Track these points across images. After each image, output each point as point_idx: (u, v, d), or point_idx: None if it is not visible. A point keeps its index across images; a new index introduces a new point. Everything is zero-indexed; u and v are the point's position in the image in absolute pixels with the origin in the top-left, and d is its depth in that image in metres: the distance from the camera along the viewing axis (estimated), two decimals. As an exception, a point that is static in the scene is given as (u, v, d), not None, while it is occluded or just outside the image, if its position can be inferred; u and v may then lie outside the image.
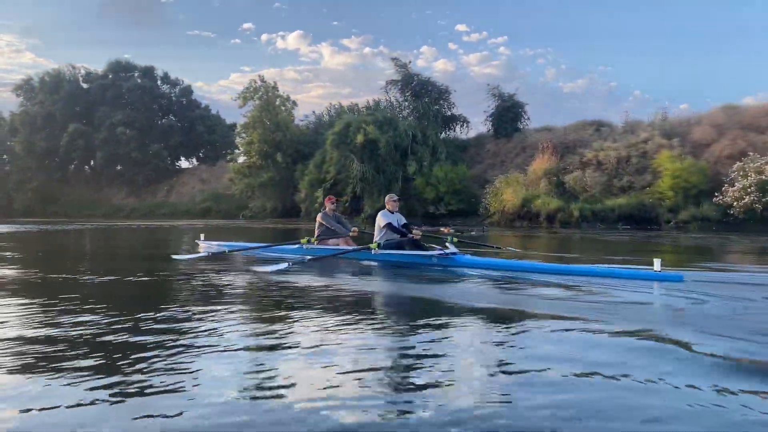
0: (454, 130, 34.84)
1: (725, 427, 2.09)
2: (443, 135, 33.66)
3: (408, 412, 2.21)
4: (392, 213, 8.32)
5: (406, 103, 34.97)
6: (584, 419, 2.14)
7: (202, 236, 11.05)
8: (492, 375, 2.68)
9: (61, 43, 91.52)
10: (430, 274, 6.85)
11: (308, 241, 8.56)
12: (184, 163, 52.18)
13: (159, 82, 49.23)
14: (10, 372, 2.70)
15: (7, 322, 3.79)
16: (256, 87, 36.12)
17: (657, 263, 6.01)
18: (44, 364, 2.81)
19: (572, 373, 2.66)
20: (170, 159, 48.95)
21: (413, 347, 3.19)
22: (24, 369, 2.75)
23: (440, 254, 7.58)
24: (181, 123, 48.41)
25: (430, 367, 2.81)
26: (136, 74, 48.67)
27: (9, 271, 6.94)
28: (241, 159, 39.74)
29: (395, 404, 2.29)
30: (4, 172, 58.10)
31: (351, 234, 8.88)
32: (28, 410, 2.23)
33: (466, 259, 7.54)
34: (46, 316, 3.94)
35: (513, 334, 3.51)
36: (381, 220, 8.19)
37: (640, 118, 27.85)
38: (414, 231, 8.14)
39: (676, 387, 2.48)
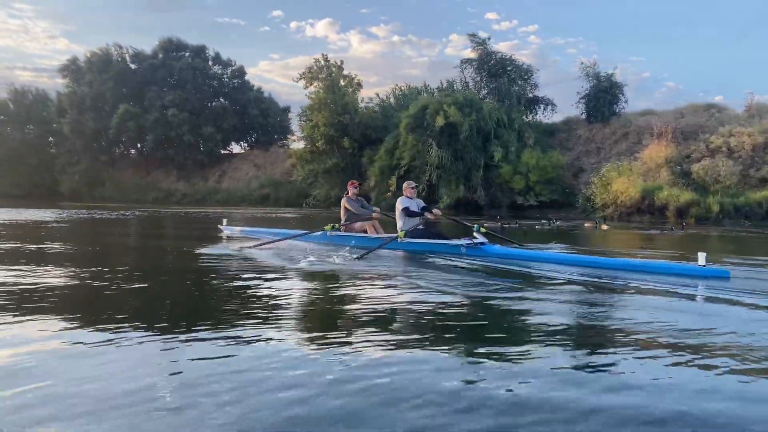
0: (537, 114, 32.15)
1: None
2: (527, 119, 31.01)
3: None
4: (411, 199, 8.57)
5: (483, 83, 32.41)
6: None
7: (224, 221, 11.31)
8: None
9: (93, 29, 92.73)
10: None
11: (333, 228, 8.75)
12: (235, 148, 50.35)
13: (210, 63, 47.24)
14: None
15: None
16: (320, 66, 33.85)
17: (701, 257, 5.68)
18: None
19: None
20: (222, 143, 46.98)
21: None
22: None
23: (468, 244, 7.57)
24: (234, 106, 46.46)
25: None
26: (186, 54, 46.83)
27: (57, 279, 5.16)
28: (301, 144, 37.70)
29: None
30: (49, 154, 57.34)
31: (374, 216, 8.91)
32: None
33: (496, 249, 7.47)
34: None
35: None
36: (399, 205, 8.44)
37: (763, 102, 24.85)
38: (434, 211, 8.63)
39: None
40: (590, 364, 2.76)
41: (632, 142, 26.21)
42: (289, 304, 4.19)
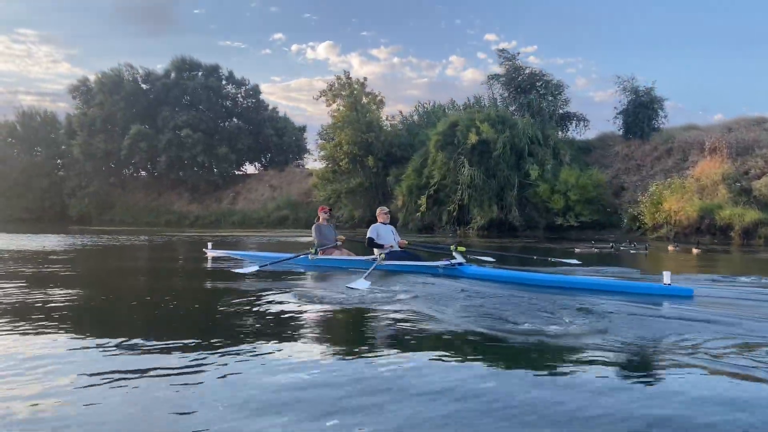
0: (568, 130, 31.01)
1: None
2: (560, 135, 29.87)
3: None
4: (384, 225, 8.94)
5: (511, 99, 31.34)
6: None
7: (209, 245, 11.83)
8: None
9: (95, 54, 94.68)
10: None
11: (315, 253, 9.00)
12: (249, 169, 49.28)
13: (224, 82, 46.39)
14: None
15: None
16: (342, 84, 32.86)
17: (666, 276, 5.95)
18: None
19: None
20: (236, 163, 45.94)
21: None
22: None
23: (446, 265, 7.80)
24: (248, 125, 45.48)
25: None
26: (200, 73, 46.00)
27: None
28: (319, 163, 36.65)
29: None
30: (58, 177, 56.33)
31: (338, 243, 9.27)
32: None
33: (472, 270, 7.70)
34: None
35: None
36: (368, 232, 8.83)
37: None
38: (399, 241, 8.85)
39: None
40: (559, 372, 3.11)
41: (678, 158, 25.04)
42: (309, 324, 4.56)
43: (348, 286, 6.41)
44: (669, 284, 5.86)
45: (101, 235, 23.15)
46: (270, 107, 48.18)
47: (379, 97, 32.97)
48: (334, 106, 33.48)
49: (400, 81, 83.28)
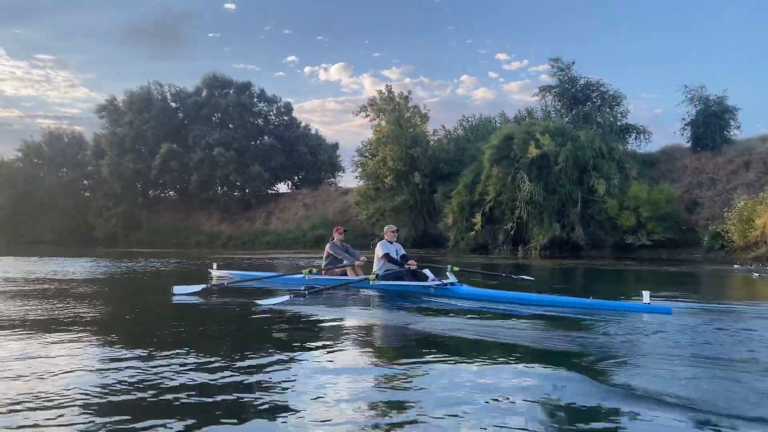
0: (628, 144, 29.32)
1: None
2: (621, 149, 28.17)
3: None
4: (391, 243, 9.11)
5: (564, 111, 29.81)
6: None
7: (214, 265, 12.10)
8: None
9: (111, 78, 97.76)
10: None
11: (310, 272, 9.42)
12: (281, 187, 48.01)
13: (255, 100, 45.38)
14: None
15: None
16: (384, 98, 31.56)
17: (646, 296, 6.34)
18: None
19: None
20: (269, 182, 44.69)
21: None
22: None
23: (438, 285, 8.03)
24: (281, 143, 44.26)
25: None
26: (231, 91, 45.02)
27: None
28: (353, 181, 35.28)
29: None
30: (84, 198, 55.50)
31: (358, 263, 9.48)
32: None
33: (464, 290, 7.92)
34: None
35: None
36: (379, 250, 8.89)
37: None
38: (410, 262, 8.68)
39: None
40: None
41: (760, 171, 23.25)
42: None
43: (259, 302, 6.88)
44: (649, 303, 6.27)
45: (135, 259, 21.80)
46: (302, 125, 47.00)
47: (423, 111, 31.59)
48: (377, 121, 32.19)
49: (413, 101, 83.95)
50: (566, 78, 29.83)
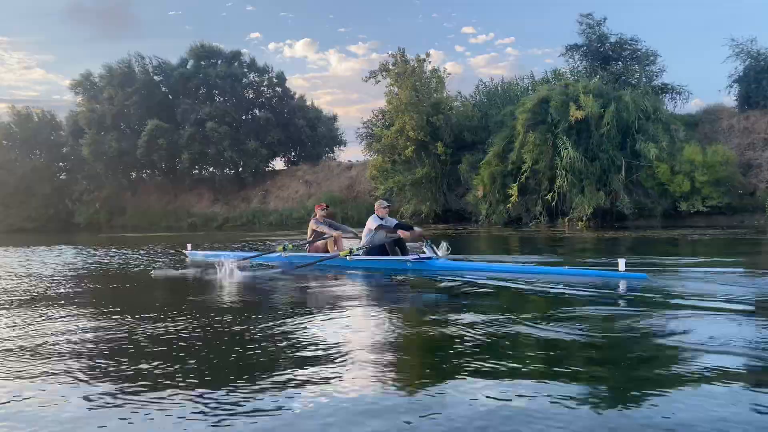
0: (663, 104, 27.49)
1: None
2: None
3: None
4: (382, 219, 9.12)
5: (593, 70, 27.87)
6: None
7: (189, 246, 12.49)
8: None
9: (70, 59, 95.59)
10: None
11: (284, 249, 10.01)
12: (277, 164, 45.31)
13: (245, 70, 42.36)
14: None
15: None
16: (397, 62, 29.12)
17: (621, 263, 6.57)
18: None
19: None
20: (266, 158, 42.01)
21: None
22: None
23: (415, 259, 8.19)
24: (276, 117, 41.48)
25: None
26: (219, 61, 41.93)
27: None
28: (367, 154, 32.95)
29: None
30: (61, 182, 52.00)
31: (345, 235, 9.94)
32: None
33: (441, 263, 8.04)
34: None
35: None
36: (371, 223, 8.99)
37: None
38: (400, 231, 8.72)
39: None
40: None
41: (824, 128, 21.67)
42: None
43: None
44: (624, 271, 6.53)
45: (134, 248, 19.54)
46: (297, 95, 44.11)
47: (445, 73, 29.16)
48: (389, 88, 29.78)
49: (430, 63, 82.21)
50: (595, 36, 27.86)
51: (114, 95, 42.46)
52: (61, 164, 52.87)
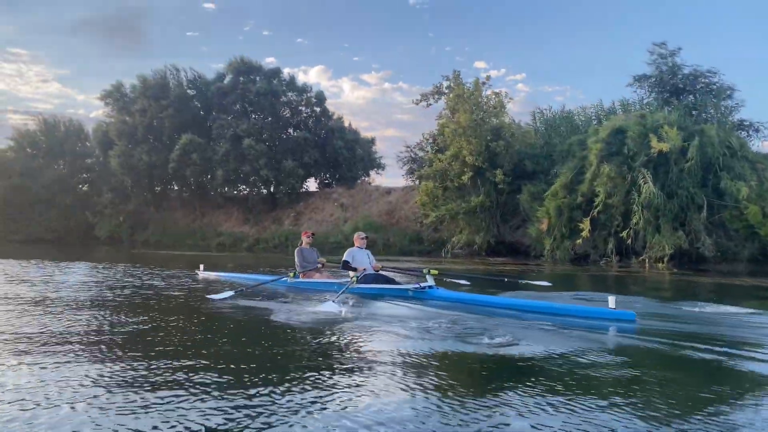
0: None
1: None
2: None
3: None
4: (360, 249, 10.01)
5: (661, 103, 26.41)
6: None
7: (201, 266, 13.18)
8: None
9: (86, 74, 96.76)
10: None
11: (294, 276, 10.32)
12: (309, 186, 43.84)
13: (284, 88, 41.17)
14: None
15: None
16: (452, 84, 27.80)
17: (611, 301, 6.71)
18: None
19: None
20: (302, 179, 40.59)
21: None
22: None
23: (415, 288, 8.72)
24: (315, 137, 40.15)
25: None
26: (258, 78, 40.80)
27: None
28: (408, 179, 31.43)
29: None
30: (82, 193, 50.73)
31: (319, 266, 10.65)
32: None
33: (440, 293, 8.64)
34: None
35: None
36: (344, 256, 9.89)
37: None
38: (374, 265, 9.84)
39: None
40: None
41: None
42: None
43: (316, 309, 7.39)
44: (614, 308, 6.67)
45: (171, 266, 18.05)
46: (335, 116, 42.84)
47: (501, 98, 27.70)
48: (445, 111, 28.44)
49: (390, 106, 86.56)
50: (666, 67, 26.48)
51: (147, 107, 41.28)
52: (84, 175, 51.70)
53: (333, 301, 7.49)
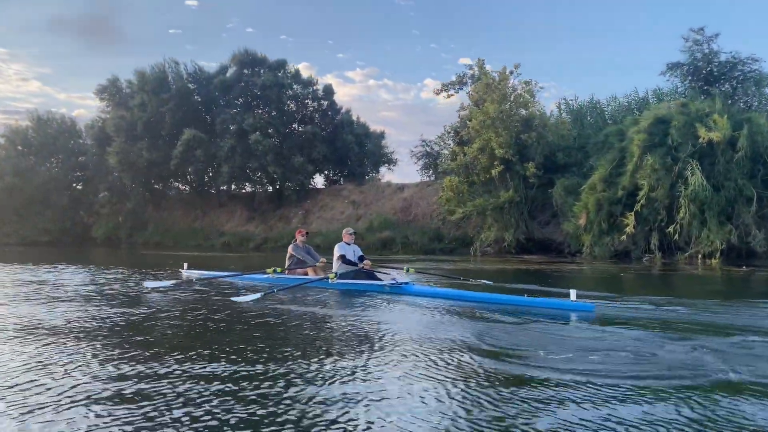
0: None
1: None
2: None
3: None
4: (348, 245, 10.35)
5: (696, 91, 25.24)
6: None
7: (185, 265, 13.13)
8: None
9: (67, 73, 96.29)
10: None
11: (274, 271, 10.48)
12: (317, 182, 42.30)
13: (289, 81, 39.54)
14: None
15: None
16: (476, 73, 26.41)
17: (573, 294, 7.22)
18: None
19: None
20: (311, 175, 39.07)
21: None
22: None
23: (392, 284, 9.29)
24: (324, 131, 38.61)
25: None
26: (262, 71, 39.16)
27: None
28: (423, 174, 30.05)
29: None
30: (77, 192, 48.79)
31: (319, 264, 10.88)
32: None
33: (415, 288, 9.28)
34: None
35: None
36: (337, 251, 10.17)
37: None
38: (365, 262, 10.21)
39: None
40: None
41: None
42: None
43: (234, 299, 8.22)
44: (575, 301, 7.17)
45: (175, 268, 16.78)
46: (343, 110, 41.27)
47: (536, 86, 26.31)
48: (459, 101, 27.05)
49: (376, 103, 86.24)
50: (701, 54, 25.29)
51: (147, 102, 39.48)
52: (78, 173, 49.70)
53: (254, 293, 8.30)
